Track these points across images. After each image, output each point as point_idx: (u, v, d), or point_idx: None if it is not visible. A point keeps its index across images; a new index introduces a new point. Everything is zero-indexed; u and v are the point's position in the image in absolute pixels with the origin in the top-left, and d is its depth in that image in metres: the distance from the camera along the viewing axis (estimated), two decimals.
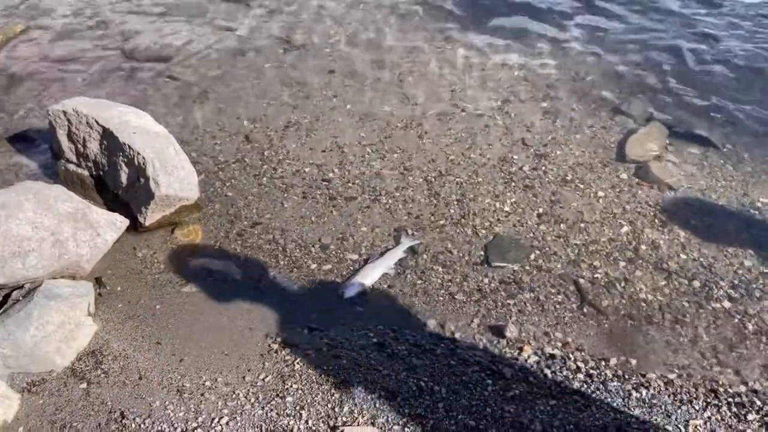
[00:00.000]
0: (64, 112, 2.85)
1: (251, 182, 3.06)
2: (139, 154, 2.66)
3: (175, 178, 2.70)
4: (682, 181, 2.98)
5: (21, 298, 2.22)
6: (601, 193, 2.93)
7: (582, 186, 2.98)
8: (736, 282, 2.48)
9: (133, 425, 1.97)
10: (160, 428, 1.96)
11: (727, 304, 2.39)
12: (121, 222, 2.55)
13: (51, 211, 2.35)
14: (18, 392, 2.06)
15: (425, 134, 3.36)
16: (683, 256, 2.60)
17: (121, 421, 1.98)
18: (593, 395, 2.04)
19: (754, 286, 2.46)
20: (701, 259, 2.58)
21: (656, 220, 2.77)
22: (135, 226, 2.69)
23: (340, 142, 3.30)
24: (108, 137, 2.77)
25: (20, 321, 2.09)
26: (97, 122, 2.77)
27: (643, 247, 2.65)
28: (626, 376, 2.12)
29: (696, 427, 1.93)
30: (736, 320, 2.34)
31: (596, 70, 3.86)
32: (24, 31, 4.53)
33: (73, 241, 2.35)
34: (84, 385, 2.10)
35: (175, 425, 1.97)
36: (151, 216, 2.68)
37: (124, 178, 2.75)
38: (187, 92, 3.78)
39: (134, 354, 2.21)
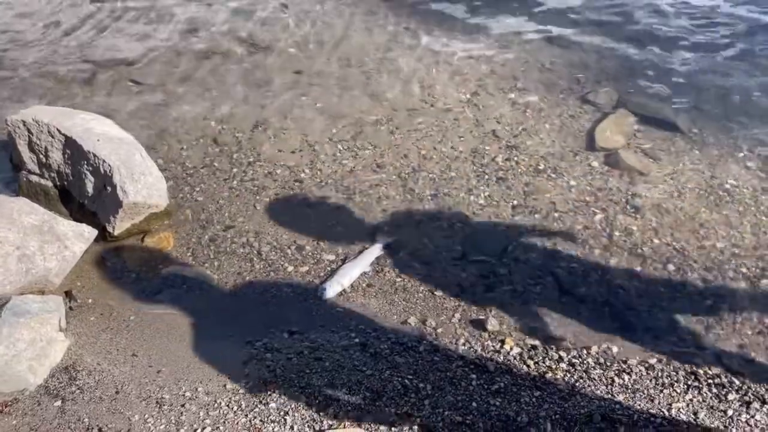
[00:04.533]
0: (24, 122, 2.75)
1: (222, 186, 3.00)
2: (104, 162, 2.58)
3: (142, 185, 2.63)
4: (651, 167, 3.02)
5: None
6: (573, 182, 2.96)
7: (554, 176, 3.00)
8: (709, 264, 2.52)
9: None
10: None
11: (701, 285, 2.43)
12: (89, 233, 2.48)
13: (15, 225, 2.27)
14: None
15: (396, 130, 3.34)
16: (656, 241, 2.64)
17: None
18: (577, 384, 2.05)
19: (727, 267, 2.50)
20: (674, 243, 2.62)
21: (628, 207, 2.81)
22: (104, 236, 2.62)
23: (310, 142, 3.27)
24: (71, 146, 2.68)
25: None
26: (59, 131, 2.68)
27: (617, 233, 2.68)
28: (608, 364, 2.14)
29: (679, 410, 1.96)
30: (711, 302, 2.37)
31: (562, 60, 3.89)
32: None
33: (40, 254, 2.28)
34: (59, 403, 2.04)
35: None
36: (119, 225, 2.61)
37: (90, 187, 2.67)
38: (151, 96, 3.69)
39: (109, 367, 2.15)
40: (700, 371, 2.11)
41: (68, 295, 2.40)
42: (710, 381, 2.07)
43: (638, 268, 2.52)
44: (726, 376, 2.09)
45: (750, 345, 2.20)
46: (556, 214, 2.79)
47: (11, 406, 2.03)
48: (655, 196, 2.85)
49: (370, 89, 3.69)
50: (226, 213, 2.85)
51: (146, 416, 1.99)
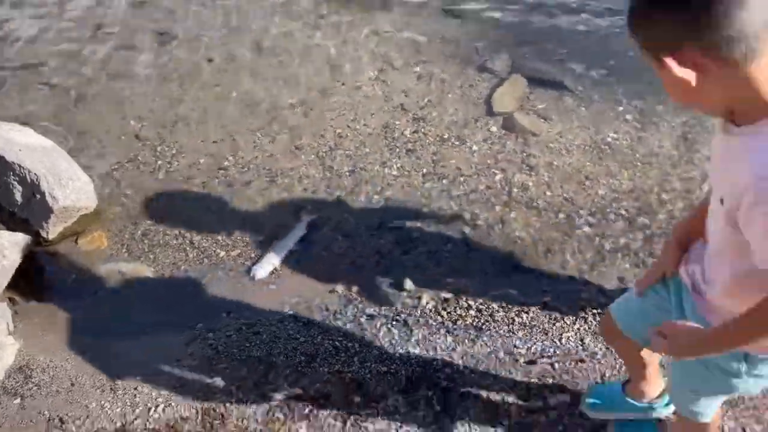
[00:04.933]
0: None
1: (148, 180, 3.14)
2: (30, 171, 2.69)
3: (71, 189, 2.75)
4: (542, 127, 3.34)
5: None
6: (475, 147, 3.25)
7: (458, 143, 3.28)
8: (593, 210, 2.87)
9: (74, 428, 2.11)
10: (100, 426, 2.12)
11: (587, 229, 2.79)
12: (24, 240, 2.60)
13: None
14: None
15: (311, 112, 3.54)
16: (549, 193, 2.97)
17: (61, 426, 2.12)
18: (483, 327, 2.37)
19: (608, 210, 2.86)
20: (564, 194, 2.96)
21: (524, 166, 3.12)
22: (38, 242, 2.74)
23: (230, 130, 3.42)
24: None
25: None
26: None
27: (515, 190, 2.99)
28: (509, 306, 2.46)
29: None
30: (596, 242, 2.73)
31: (461, 31, 4.14)
32: None
33: None
34: (18, 400, 2.21)
35: (115, 421, 2.13)
36: (53, 230, 2.74)
37: (18, 196, 2.77)
38: (66, 98, 3.72)
39: (62, 363, 2.33)
40: (588, 305, 2.47)
41: (11, 300, 2.53)
42: (595, 311, 2.42)
43: (534, 219, 2.86)
44: (608, 304, 2.45)
45: (626, 277, 2.57)
46: (462, 179, 3.07)
47: None
48: (546, 155, 3.18)
49: (282, 74, 3.84)
50: (156, 206, 3.00)
51: (102, 402, 2.19)
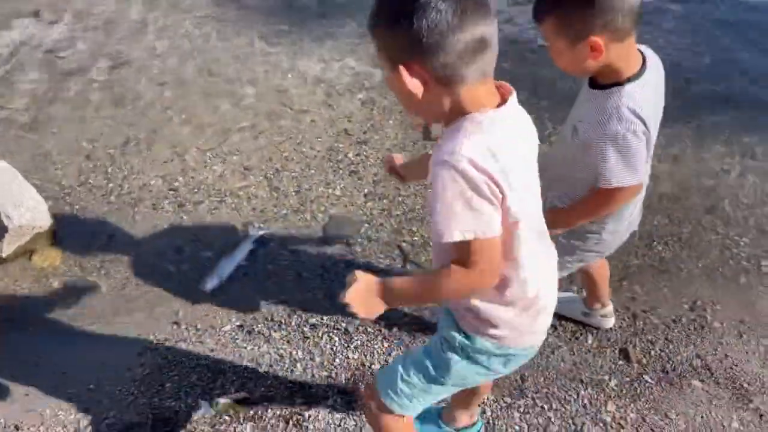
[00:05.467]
0: None
1: (100, 201, 3.27)
2: None
3: (25, 208, 2.87)
4: None
5: None
6: None
7: None
8: None
9: None
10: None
11: None
12: None
13: None
14: None
15: (260, 135, 3.73)
16: None
17: None
18: (416, 334, 2.59)
19: None
20: None
21: None
22: None
23: (180, 152, 3.58)
24: None
25: None
26: None
27: None
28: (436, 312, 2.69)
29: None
30: None
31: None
32: None
33: None
34: None
35: (68, 427, 2.25)
36: (7, 248, 2.84)
37: None
38: (17, 120, 3.82)
39: (17, 376, 2.43)
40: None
41: None
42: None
43: None
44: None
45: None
46: (400, 198, 3.31)
47: None
48: None
49: (232, 98, 4.03)
50: (107, 226, 3.13)
51: (57, 411, 2.30)
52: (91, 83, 4.19)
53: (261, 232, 3.07)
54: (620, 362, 2.47)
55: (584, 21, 1.50)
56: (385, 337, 2.58)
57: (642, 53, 1.68)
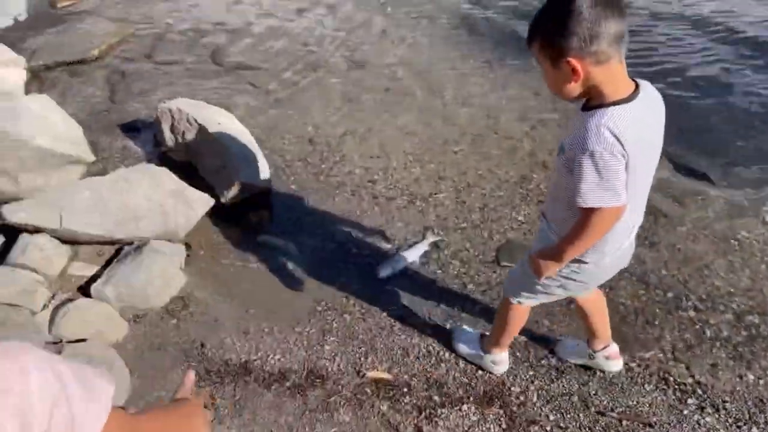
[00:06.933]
0: (170, 110, 3.56)
1: (311, 179, 3.70)
2: (225, 148, 3.33)
3: (252, 169, 3.36)
4: (676, 210, 3.45)
5: (132, 252, 2.91)
6: None
7: None
8: (704, 297, 2.95)
9: (210, 353, 2.63)
10: (228, 357, 2.62)
11: (692, 313, 2.88)
12: (209, 201, 3.23)
13: (160, 188, 3.04)
14: (127, 321, 2.75)
15: (460, 151, 3.93)
16: (664, 272, 3.09)
17: (200, 348, 2.64)
18: (564, 370, 2.58)
19: (719, 301, 2.93)
20: (679, 276, 3.06)
21: (646, 241, 3.26)
22: (218, 205, 3.37)
23: (386, 151, 3.92)
24: (202, 133, 3.46)
25: (134, 268, 2.77)
26: (195, 120, 3.46)
27: (631, 261, 3.13)
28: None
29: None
30: (698, 327, 2.82)
31: None
32: (130, 37, 5.34)
33: (173, 212, 3.04)
34: (174, 321, 2.78)
35: (241, 356, 2.62)
36: (230, 198, 3.36)
37: (212, 166, 3.44)
38: (265, 98, 4.48)
39: (212, 302, 2.88)
40: (671, 378, 2.58)
41: (188, 245, 3.15)
42: (676, 387, 2.53)
43: (642, 291, 2.99)
44: (691, 385, 2.55)
45: (719, 365, 2.64)
46: None
47: (142, 318, 2.79)
48: (672, 236, 3.29)
49: (444, 113, 4.30)
50: (312, 201, 3.54)
51: (235, 340, 2.69)
52: (330, 78, 4.75)
53: (438, 238, 3.25)
54: None
55: (561, 44, 1.56)
56: (531, 366, 2.60)
57: (636, 83, 1.68)
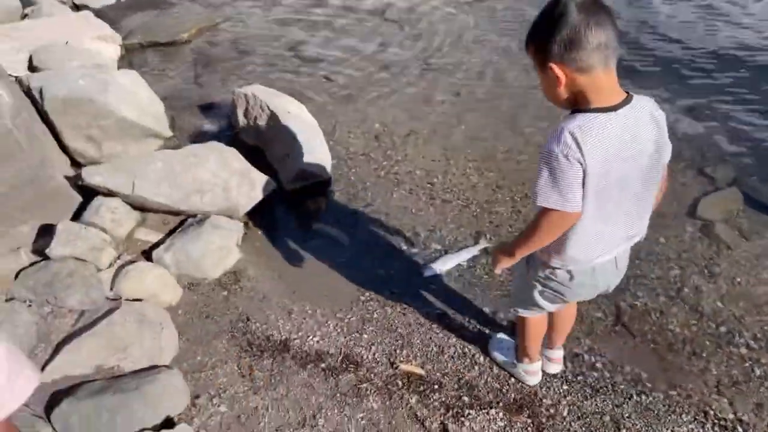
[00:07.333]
0: (245, 95, 3.73)
1: (372, 173, 3.79)
2: (293, 136, 3.47)
3: (314, 158, 3.48)
4: (741, 244, 3.32)
5: (194, 224, 3.08)
6: (662, 239, 3.35)
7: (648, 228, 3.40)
8: (759, 335, 2.84)
9: (254, 327, 2.75)
10: (270, 333, 2.73)
11: (743, 350, 2.77)
12: (271, 184, 3.36)
13: (226, 166, 3.20)
14: (182, 288, 2.91)
15: (523, 161, 3.92)
16: (719, 304, 2.98)
17: (246, 322, 2.77)
18: (600, 389, 2.54)
19: None
20: (734, 311, 2.95)
21: (706, 271, 3.16)
22: (279, 189, 3.50)
23: (448, 155, 3.96)
24: (273, 119, 3.61)
25: (194, 239, 2.93)
26: (267, 107, 3.62)
27: (686, 289, 3.06)
28: (633, 383, 2.59)
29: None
30: (747, 365, 2.71)
31: (694, 131, 4.21)
32: (218, 24, 5.61)
33: (236, 191, 3.19)
34: (225, 293, 2.92)
35: (282, 334, 2.72)
36: (292, 184, 3.49)
37: (278, 152, 3.58)
38: (337, 93, 4.61)
39: (262, 280, 3.00)
40: (711, 412, 2.49)
41: (246, 224, 3.30)
42: (716, 421, 2.45)
43: (693, 321, 2.90)
44: (732, 422, 2.46)
45: (764, 405, 2.53)
46: (637, 261, 3.21)
47: (196, 287, 2.94)
48: (733, 270, 3.17)
49: (513, 124, 4.29)
50: (370, 194, 3.62)
51: (279, 318, 2.80)
52: (402, 78, 4.83)
53: (489, 244, 3.26)
54: None
55: (545, 49, 1.60)
56: (566, 381, 2.58)
57: (629, 96, 1.65)
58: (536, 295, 2.11)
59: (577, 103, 1.67)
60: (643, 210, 1.88)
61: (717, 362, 2.72)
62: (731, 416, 2.48)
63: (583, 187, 1.63)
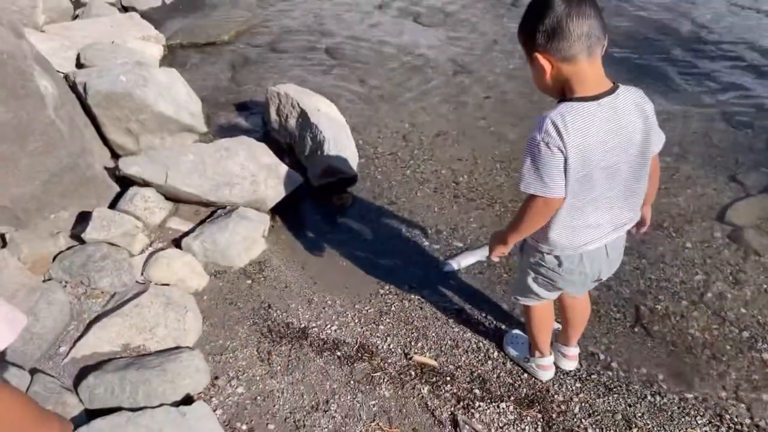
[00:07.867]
0: (278, 93, 3.85)
1: (397, 172, 3.85)
2: (321, 133, 3.56)
3: (342, 155, 3.56)
4: None
5: (223, 215, 3.19)
6: (689, 244, 3.31)
7: (674, 233, 3.38)
8: None
9: (275, 314, 2.84)
10: (291, 321, 2.81)
11: (766, 356, 2.72)
12: (298, 179, 3.46)
13: (255, 160, 3.32)
14: (208, 275, 3.02)
15: None
16: (743, 310, 2.94)
17: (267, 309, 2.86)
18: (614, 388, 2.54)
19: None
20: (759, 317, 2.90)
21: (731, 277, 3.11)
22: (306, 184, 3.60)
23: (476, 155, 3.99)
24: (303, 117, 3.71)
25: (221, 228, 3.05)
26: (298, 105, 3.73)
27: (709, 294, 3.02)
28: (648, 383, 2.58)
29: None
30: None
31: (730, 139, 4.14)
32: (257, 26, 5.78)
33: (264, 184, 3.30)
34: (249, 282, 3.02)
35: (301, 322, 2.81)
36: (318, 180, 3.58)
37: (307, 149, 3.68)
38: (368, 93, 4.70)
39: (285, 270, 3.10)
40: (727, 416, 2.46)
41: (273, 217, 3.40)
42: (731, 425, 2.42)
43: (715, 326, 2.87)
44: (748, 427, 2.43)
45: None
46: (662, 266, 3.19)
47: (222, 274, 3.05)
48: (760, 277, 3.11)
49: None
50: (395, 192, 3.69)
51: (299, 307, 2.89)
52: (434, 80, 4.89)
53: None
54: None
55: (531, 39, 1.65)
56: (579, 379, 2.59)
57: (615, 86, 1.70)
58: (530, 282, 2.16)
59: (564, 93, 1.72)
60: (633, 199, 1.91)
61: (737, 367, 2.68)
62: (748, 421, 2.45)
63: (566, 174, 1.69)
